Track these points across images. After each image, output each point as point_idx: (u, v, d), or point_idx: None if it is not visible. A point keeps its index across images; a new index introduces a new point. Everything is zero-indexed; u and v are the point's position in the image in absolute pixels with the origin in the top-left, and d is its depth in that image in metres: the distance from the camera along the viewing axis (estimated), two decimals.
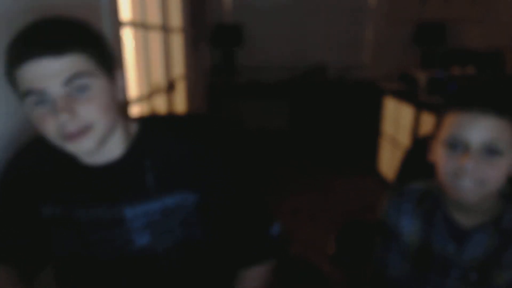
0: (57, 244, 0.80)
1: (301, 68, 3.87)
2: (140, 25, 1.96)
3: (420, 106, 2.62)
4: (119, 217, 0.75)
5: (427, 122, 2.49)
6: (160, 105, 2.30)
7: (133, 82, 2.02)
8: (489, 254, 0.79)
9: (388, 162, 3.18)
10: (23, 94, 0.63)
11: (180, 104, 2.73)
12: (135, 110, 1.93)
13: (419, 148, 1.01)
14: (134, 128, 0.79)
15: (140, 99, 1.95)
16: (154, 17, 2.20)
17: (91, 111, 0.65)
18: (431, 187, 0.85)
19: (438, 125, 0.79)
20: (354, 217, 2.51)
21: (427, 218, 0.84)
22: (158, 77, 2.29)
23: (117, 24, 1.42)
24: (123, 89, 0.75)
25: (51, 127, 0.64)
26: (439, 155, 0.76)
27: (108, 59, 0.69)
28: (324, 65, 3.89)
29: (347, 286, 1.13)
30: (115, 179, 0.75)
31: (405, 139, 2.84)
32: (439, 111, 0.80)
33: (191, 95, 2.88)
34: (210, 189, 0.78)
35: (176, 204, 0.77)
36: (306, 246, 2.11)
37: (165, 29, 2.29)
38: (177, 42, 2.64)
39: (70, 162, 0.75)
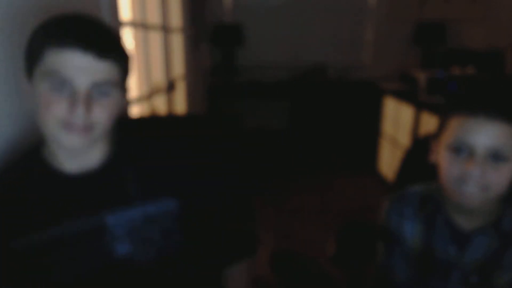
0: (34, 273, 0.74)
1: (301, 68, 3.87)
2: (140, 25, 1.96)
3: (420, 106, 2.62)
4: (101, 225, 0.74)
5: (427, 122, 2.49)
6: (160, 105, 2.30)
7: (133, 82, 2.02)
8: (490, 256, 0.79)
9: (388, 162, 3.18)
10: (44, 73, 0.64)
11: (180, 104, 2.73)
12: (135, 110, 1.93)
13: (419, 148, 1.01)
14: (116, 134, 0.78)
15: (140, 99, 1.95)
16: (154, 17, 2.20)
17: (102, 115, 0.67)
18: (432, 190, 0.85)
19: (441, 127, 0.79)
20: (354, 217, 2.51)
21: (429, 221, 0.83)
22: (158, 77, 2.29)
23: (117, 24, 1.42)
24: (126, 104, 0.79)
25: (58, 112, 0.64)
26: (443, 158, 0.76)
27: (128, 75, 0.73)
28: (324, 65, 3.89)
29: (347, 286, 1.13)
30: (96, 188, 0.74)
31: (405, 139, 2.84)
32: (442, 112, 0.80)
33: (191, 95, 2.88)
34: (192, 195, 0.79)
35: (158, 211, 0.77)
36: (306, 246, 2.11)
37: (165, 29, 2.29)
38: (177, 42, 2.64)
39: (46, 174, 0.73)
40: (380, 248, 0.92)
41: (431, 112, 2.43)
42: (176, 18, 2.58)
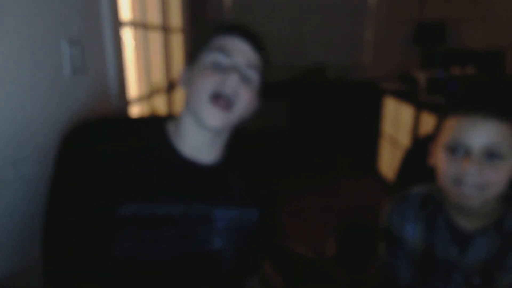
0: (120, 247, 0.73)
1: (301, 68, 3.87)
2: (140, 25, 1.96)
3: (420, 106, 2.62)
4: (209, 216, 0.78)
5: (427, 122, 2.49)
6: (160, 105, 2.30)
7: (133, 82, 2.02)
8: (492, 257, 0.78)
9: (388, 162, 3.18)
10: (211, 48, 0.75)
11: (180, 104, 2.73)
12: (135, 110, 1.93)
13: (419, 148, 1.01)
14: (227, 135, 0.84)
15: (140, 99, 1.95)
16: (154, 17, 2.20)
17: (244, 94, 0.74)
18: (432, 191, 0.85)
19: (438, 129, 0.79)
20: (354, 217, 2.51)
21: (429, 223, 0.83)
22: (158, 77, 2.29)
23: (117, 24, 1.42)
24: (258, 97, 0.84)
25: (210, 83, 0.71)
26: (440, 159, 0.76)
27: (264, 71, 0.82)
28: (324, 65, 3.89)
29: (347, 286, 1.13)
30: (211, 180, 0.79)
31: (405, 139, 2.84)
32: (440, 115, 0.80)
33: None
34: (269, 208, 0.87)
35: (248, 216, 0.83)
36: (306, 246, 2.11)
37: (165, 29, 2.29)
38: (177, 42, 2.63)
39: (167, 153, 0.77)
40: (382, 250, 0.91)
41: (431, 112, 2.43)
42: (176, 18, 2.58)
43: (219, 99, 0.71)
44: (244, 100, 0.74)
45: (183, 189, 0.76)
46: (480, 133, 0.70)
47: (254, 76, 0.76)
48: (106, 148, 0.75)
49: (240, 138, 0.86)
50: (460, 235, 0.80)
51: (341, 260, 1.14)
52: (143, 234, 0.73)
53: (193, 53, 0.79)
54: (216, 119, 0.72)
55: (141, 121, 1.03)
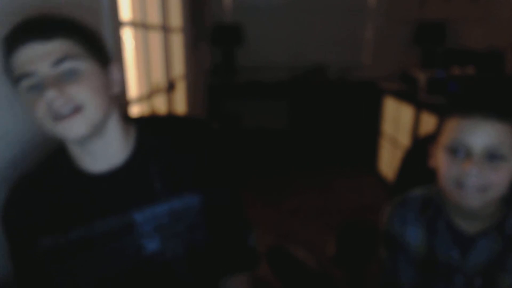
0: (60, 275, 0.75)
1: (301, 68, 3.87)
2: (140, 25, 1.96)
3: (420, 106, 2.62)
4: (129, 223, 0.74)
5: (427, 122, 2.49)
6: (160, 105, 2.30)
7: (133, 82, 2.02)
8: (493, 259, 0.78)
9: (388, 162, 3.18)
10: (16, 80, 0.65)
11: (180, 104, 2.73)
12: (135, 110, 1.93)
13: (419, 149, 1.01)
14: (133, 130, 0.78)
15: (140, 99, 1.95)
16: (154, 17, 2.20)
17: (81, 91, 0.65)
18: (433, 194, 0.85)
19: (438, 130, 0.79)
20: (354, 217, 2.51)
21: (430, 225, 0.83)
22: (158, 77, 2.29)
23: (117, 24, 1.42)
24: (120, 82, 0.75)
25: (42, 109, 0.64)
26: (441, 161, 0.76)
27: (97, 48, 0.70)
28: (324, 65, 3.89)
29: (347, 286, 1.13)
30: (122, 185, 0.74)
31: (405, 139, 2.84)
32: (441, 116, 0.80)
33: (191, 95, 2.88)
34: (212, 190, 0.79)
35: (183, 207, 0.77)
36: (306, 246, 2.11)
37: (165, 29, 2.29)
38: (177, 42, 2.63)
39: (71, 175, 0.74)
40: (383, 253, 0.91)
41: (431, 112, 2.43)
42: (176, 18, 2.58)
43: (60, 115, 0.65)
44: (87, 99, 0.66)
45: (94, 206, 0.73)
46: (481, 134, 0.70)
47: (72, 64, 0.65)
48: (15, 190, 0.76)
49: (151, 126, 0.80)
50: (461, 238, 0.80)
51: (340, 260, 1.14)
52: (70, 262, 0.73)
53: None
54: (74, 128, 0.66)
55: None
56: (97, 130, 0.69)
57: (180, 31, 2.63)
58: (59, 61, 0.64)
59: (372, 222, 1.02)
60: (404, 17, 3.87)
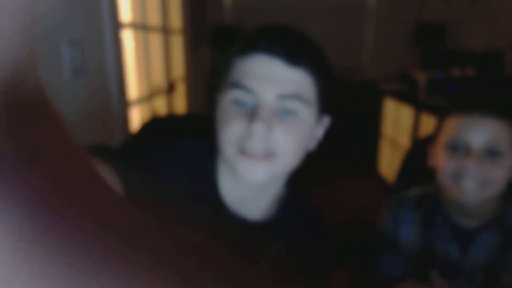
0: None
1: None
2: (140, 27, 1.96)
3: (420, 107, 2.62)
4: None
5: (427, 123, 2.49)
6: (160, 106, 2.30)
7: (133, 84, 2.02)
8: (494, 254, 0.78)
9: (388, 163, 3.18)
10: (229, 84, 0.56)
11: (180, 105, 2.73)
12: (135, 112, 1.94)
13: (419, 150, 1.01)
14: (285, 196, 0.68)
15: (140, 101, 1.95)
16: (154, 18, 2.20)
17: (285, 138, 0.55)
18: (430, 191, 0.85)
19: (438, 130, 0.79)
20: (354, 218, 2.51)
21: (427, 222, 0.83)
22: (158, 78, 2.29)
23: (117, 25, 1.42)
24: (319, 140, 0.65)
25: (236, 131, 0.54)
26: (440, 158, 0.76)
27: (326, 93, 0.60)
28: None
29: (347, 287, 1.13)
30: (249, 239, 0.64)
31: (405, 140, 2.84)
32: (441, 116, 0.80)
33: (191, 97, 2.88)
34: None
35: None
36: None
37: (165, 30, 2.29)
38: (177, 44, 2.64)
39: (211, 197, 0.62)
40: (379, 253, 0.92)
41: (431, 113, 2.43)
42: (176, 19, 2.58)
43: (251, 153, 0.54)
44: (287, 146, 0.55)
45: (216, 235, 0.61)
46: (480, 131, 0.71)
47: (297, 106, 0.55)
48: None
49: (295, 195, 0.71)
50: (460, 233, 0.80)
51: (340, 261, 1.14)
52: None
53: (215, 75, 0.66)
54: (255, 173, 0.55)
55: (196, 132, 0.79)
56: (272, 180, 0.60)
57: (180, 32, 2.64)
58: (289, 96, 0.54)
59: (372, 224, 1.02)
60: (403, 18, 3.87)
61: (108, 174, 0.49)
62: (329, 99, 0.61)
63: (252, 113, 0.54)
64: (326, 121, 0.65)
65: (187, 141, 0.65)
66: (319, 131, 0.64)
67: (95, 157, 0.50)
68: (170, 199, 0.59)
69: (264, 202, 0.64)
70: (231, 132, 0.55)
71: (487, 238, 0.78)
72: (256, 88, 0.54)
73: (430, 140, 0.83)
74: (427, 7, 3.85)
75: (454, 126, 0.74)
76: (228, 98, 0.56)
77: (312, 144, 0.63)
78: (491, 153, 0.71)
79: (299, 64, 0.54)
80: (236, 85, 0.55)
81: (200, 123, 0.84)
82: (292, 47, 0.55)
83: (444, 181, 0.76)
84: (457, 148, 0.73)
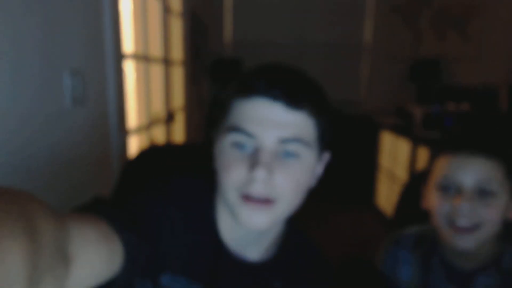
0: None
1: None
2: (142, 58, 2.00)
3: (416, 140, 2.64)
4: None
5: (424, 156, 2.50)
6: (158, 135, 2.31)
7: (133, 113, 2.04)
8: None
9: (386, 195, 3.17)
10: (229, 127, 0.55)
11: (179, 134, 2.75)
12: (134, 140, 1.94)
13: (416, 183, 1.01)
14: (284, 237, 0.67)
15: (139, 129, 1.96)
16: (156, 49, 2.25)
17: (286, 182, 0.54)
18: (427, 231, 0.84)
19: (430, 170, 0.79)
20: (352, 251, 2.47)
21: (424, 263, 0.82)
22: (158, 108, 2.31)
23: (119, 56, 1.45)
24: (319, 177, 0.64)
25: (238, 177, 0.53)
26: (433, 199, 0.76)
27: (326, 132, 0.59)
28: None
29: None
30: (248, 280, 0.63)
31: (402, 173, 2.84)
32: (432, 154, 0.81)
33: (190, 126, 2.90)
34: None
35: None
36: None
37: (166, 62, 2.34)
38: (178, 75, 2.68)
39: (211, 238, 0.61)
40: None
41: (427, 147, 2.45)
42: (177, 51, 2.65)
43: (251, 199, 0.54)
44: (288, 190, 0.54)
45: (218, 280, 0.62)
46: (470, 171, 0.71)
47: (298, 148, 0.54)
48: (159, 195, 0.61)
49: (295, 236, 0.70)
50: (457, 275, 0.79)
51: None
52: None
53: (212, 115, 0.63)
54: (255, 220, 0.54)
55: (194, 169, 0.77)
56: (277, 223, 0.60)
57: (181, 64, 2.69)
58: (290, 140, 0.53)
59: (370, 257, 1.00)
60: (399, 54, 3.98)
61: (107, 233, 0.46)
62: (329, 137, 0.60)
63: (253, 157, 0.53)
64: (326, 156, 0.64)
65: (184, 181, 0.64)
66: (320, 169, 0.64)
67: (94, 214, 0.47)
68: (169, 251, 0.58)
69: (265, 244, 0.64)
70: (232, 177, 0.54)
71: (485, 281, 0.77)
72: (257, 133, 0.53)
73: (427, 174, 0.83)
74: (421, 45, 3.97)
75: (445, 166, 0.74)
76: (228, 141, 0.55)
77: (312, 182, 0.62)
78: (483, 193, 0.70)
79: (299, 107, 0.53)
80: (237, 129, 0.54)
81: (197, 152, 0.85)
82: (293, 90, 0.53)
83: (439, 225, 0.75)
84: (449, 189, 0.73)
